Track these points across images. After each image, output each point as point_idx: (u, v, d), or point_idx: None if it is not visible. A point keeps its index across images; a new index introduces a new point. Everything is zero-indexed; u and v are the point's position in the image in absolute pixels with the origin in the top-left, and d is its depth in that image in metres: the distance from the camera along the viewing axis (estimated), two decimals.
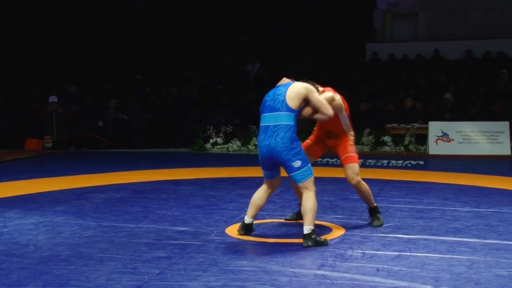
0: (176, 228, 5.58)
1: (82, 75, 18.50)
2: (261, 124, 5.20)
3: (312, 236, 4.87)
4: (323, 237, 5.04)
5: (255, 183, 7.24)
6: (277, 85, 5.35)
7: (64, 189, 7.94)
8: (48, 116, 14.37)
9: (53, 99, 14.46)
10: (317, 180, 8.52)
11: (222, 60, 19.51)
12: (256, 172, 9.38)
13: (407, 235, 5.23)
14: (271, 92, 5.27)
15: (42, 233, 5.42)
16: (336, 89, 5.94)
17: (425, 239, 5.07)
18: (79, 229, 5.57)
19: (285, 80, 5.42)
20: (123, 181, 8.69)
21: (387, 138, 13.28)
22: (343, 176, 9.03)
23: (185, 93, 16.86)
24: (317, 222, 5.78)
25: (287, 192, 7.45)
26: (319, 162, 11.16)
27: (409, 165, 10.80)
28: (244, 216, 5.36)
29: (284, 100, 5.10)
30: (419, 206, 6.59)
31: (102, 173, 9.66)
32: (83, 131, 14.83)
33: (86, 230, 5.50)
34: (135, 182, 8.59)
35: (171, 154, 13.41)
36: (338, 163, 11.00)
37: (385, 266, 4.28)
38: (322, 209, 6.42)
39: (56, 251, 4.77)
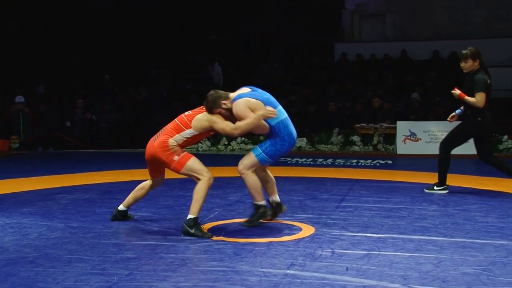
0: (146, 228, 5.54)
1: (48, 74, 18.24)
2: (284, 117, 5.50)
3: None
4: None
5: (225, 183, 7.24)
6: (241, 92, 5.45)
7: (31, 190, 7.83)
8: (15, 116, 14.16)
9: (19, 99, 14.25)
10: (286, 180, 8.56)
11: (190, 60, 19.45)
12: (226, 172, 9.38)
13: (376, 234, 5.28)
14: (260, 91, 5.52)
15: (8, 234, 5.33)
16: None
17: (394, 238, 5.12)
18: (46, 230, 5.50)
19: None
20: (91, 181, 8.61)
21: (356, 138, 13.40)
22: (312, 175, 9.10)
23: (154, 92, 16.78)
24: (286, 221, 5.81)
25: None
26: (288, 162, 11.20)
27: (378, 164, 10.90)
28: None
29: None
30: (387, 205, 6.66)
31: (69, 173, 9.55)
32: (50, 131, 14.64)
33: (54, 232, 5.43)
34: (104, 183, 8.52)
35: (140, 154, 13.29)
36: (307, 163, 11.10)
37: (354, 265, 4.31)
38: (291, 208, 6.44)
39: (23, 252, 4.70)
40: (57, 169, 10.05)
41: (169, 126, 5.43)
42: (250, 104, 5.29)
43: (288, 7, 21.10)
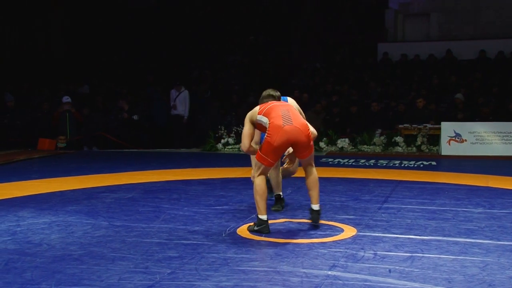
0: (188, 228, 5.58)
1: (93, 75, 18.53)
2: None
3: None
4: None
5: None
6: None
7: (76, 189, 7.97)
8: (62, 116, 14.41)
9: (66, 99, 14.47)
10: (328, 181, 8.51)
11: (230, 60, 19.50)
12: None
13: (419, 236, 5.21)
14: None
15: (54, 232, 5.44)
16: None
17: (438, 240, 5.04)
18: (91, 228, 5.59)
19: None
20: (134, 181, 8.71)
21: (399, 139, 13.22)
22: (354, 176, 9.04)
23: (196, 93, 16.85)
24: (328, 222, 5.78)
25: (297, 193, 7.44)
26: (329, 163, 11.14)
27: (421, 165, 10.74)
28: None
29: None
30: (431, 207, 6.56)
31: (113, 173, 9.68)
32: (94, 131, 14.86)
33: (98, 230, 5.52)
34: (146, 182, 8.61)
35: (182, 154, 13.42)
36: (349, 164, 11.02)
37: (397, 267, 4.27)
38: (333, 209, 6.41)
39: (68, 250, 4.79)
40: (101, 169, 10.21)
41: (294, 112, 5.50)
42: None
43: (330, 7, 20.99)
